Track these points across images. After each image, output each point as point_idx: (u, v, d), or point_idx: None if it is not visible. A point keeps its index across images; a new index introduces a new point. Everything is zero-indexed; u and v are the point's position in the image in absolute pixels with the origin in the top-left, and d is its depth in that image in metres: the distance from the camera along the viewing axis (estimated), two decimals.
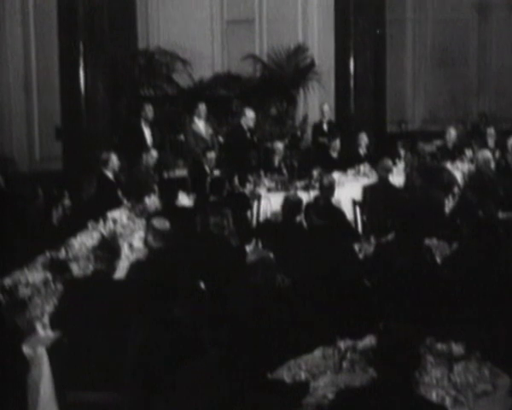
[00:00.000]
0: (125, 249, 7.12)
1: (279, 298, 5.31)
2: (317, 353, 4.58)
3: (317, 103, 13.21)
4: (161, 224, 6.37)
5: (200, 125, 11.47)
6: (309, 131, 13.12)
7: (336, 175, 9.69)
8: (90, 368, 5.10)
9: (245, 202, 9.10)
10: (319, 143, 12.13)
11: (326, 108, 12.51)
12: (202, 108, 11.46)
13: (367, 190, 9.17)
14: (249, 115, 11.02)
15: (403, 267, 5.85)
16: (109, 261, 5.60)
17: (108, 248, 5.72)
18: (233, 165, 10.35)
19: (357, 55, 13.31)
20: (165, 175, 10.15)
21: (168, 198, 8.27)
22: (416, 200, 8.55)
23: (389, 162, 9.42)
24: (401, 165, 10.93)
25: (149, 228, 6.41)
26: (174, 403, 4.13)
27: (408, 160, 10.58)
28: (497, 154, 10.69)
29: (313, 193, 9.14)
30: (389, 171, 9.36)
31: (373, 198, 8.94)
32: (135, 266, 6.11)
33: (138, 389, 4.67)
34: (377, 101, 13.71)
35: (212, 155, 10.14)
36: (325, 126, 12.39)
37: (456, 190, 8.78)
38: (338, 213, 7.90)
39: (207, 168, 9.95)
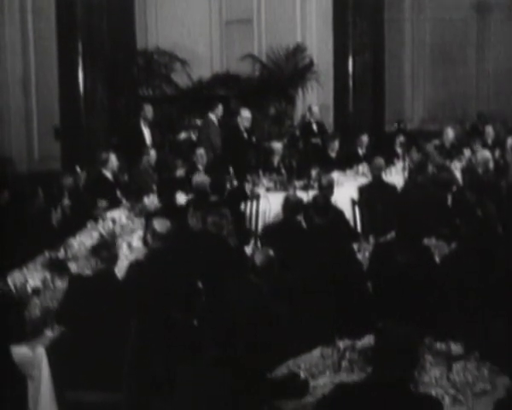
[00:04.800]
0: (123, 249, 7.12)
1: (278, 297, 5.32)
2: (316, 352, 4.59)
3: (315, 103, 13.21)
4: (161, 225, 6.37)
5: (217, 124, 11.55)
6: None
7: (335, 175, 9.70)
8: (89, 368, 5.10)
9: (243, 196, 9.10)
10: (313, 144, 12.14)
11: (315, 108, 12.52)
12: (220, 107, 11.53)
13: (363, 190, 9.20)
14: (245, 115, 11.03)
15: (401, 267, 5.85)
16: (108, 262, 5.60)
17: (107, 249, 5.72)
18: (230, 164, 10.36)
19: (355, 54, 13.31)
20: (165, 175, 10.15)
21: (167, 197, 8.27)
22: (414, 198, 8.56)
23: (381, 161, 9.45)
24: (400, 164, 10.94)
25: (149, 228, 6.40)
26: (174, 403, 4.14)
27: (414, 158, 10.55)
28: (497, 153, 10.70)
29: (312, 193, 9.14)
30: (381, 169, 9.40)
31: (369, 198, 8.96)
32: (134, 267, 6.12)
33: (138, 389, 4.68)
34: (376, 100, 13.71)
35: (201, 151, 10.18)
36: (314, 127, 12.41)
37: (454, 189, 8.78)
38: (337, 212, 7.91)
39: (200, 166, 9.98)
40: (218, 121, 11.54)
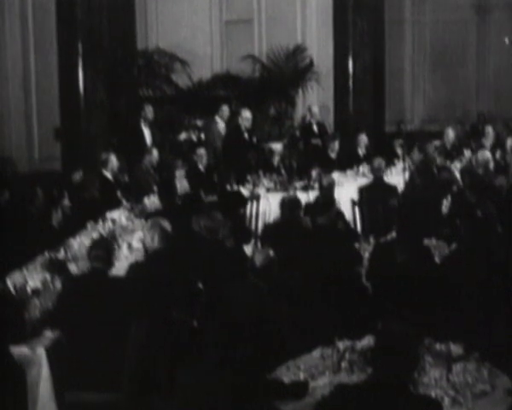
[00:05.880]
0: (123, 250, 7.12)
1: (278, 298, 5.33)
2: (316, 353, 4.59)
3: (315, 103, 13.21)
4: (167, 225, 6.40)
5: (222, 126, 11.56)
6: None
7: (335, 175, 9.70)
8: (89, 368, 5.11)
9: (240, 201, 9.10)
10: (313, 145, 12.15)
11: (315, 109, 12.56)
12: (225, 109, 11.57)
13: (363, 191, 9.21)
14: (245, 115, 11.04)
15: (401, 267, 5.85)
16: (105, 261, 5.60)
17: (104, 247, 5.72)
18: (231, 165, 10.37)
19: (355, 55, 13.31)
20: (165, 175, 10.16)
21: (168, 198, 8.26)
22: (415, 199, 8.57)
23: (381, 161, 9.46)
24: (400, 165, 10.94)
25: (156, 229, 6.36)
26: (174, 403, 4.14)
27: (416, 159, 10.55)
28: (498, 154, 10.69)
29: (312, 193, 9.15)
30: (382, 170, 9.41)
31: (369, 198, 8.97)
32: (134, 267, 6.12)
33: (138, 389, 4.68)
34: (376, 101, 13.71)
35: (201, 151, 10.20)
36: (315, 127, 12.43)
37: (455, 189, 8.79)
38: (337, 213, 7.91)
39: (200, 166, 10.01)
40: (226, 123, 11.58)
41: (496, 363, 4.33)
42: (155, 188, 9.28)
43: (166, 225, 6.43)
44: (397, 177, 10.20)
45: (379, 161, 9.40)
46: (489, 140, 11.94)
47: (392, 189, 9.18)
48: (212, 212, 6.89)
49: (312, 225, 7.22)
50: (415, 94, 15.88)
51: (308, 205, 7.95)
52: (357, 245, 7.12)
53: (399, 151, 11.61)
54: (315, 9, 14.18)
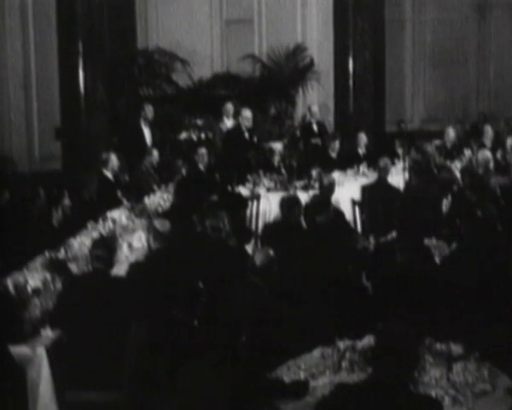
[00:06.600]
0: (124, 250, 7.12)
1: (279, 298, 5.33)
2: (316, 353, 4.59)
3: (316, 103, 13.21)
4: (162, 225, 6.39)
5: (229, 124, 11.56)
6: None
7: (336, 175, 9.70)
8: (89, 368, 5.11)
9: (241, 203, 9.10)
10: (313, 144, 12.15)
11: (315, 108, 12.56)
12: (229, 106, 11.61)
13: (366, 190, 9.19)
14: (246, 115, 11.03)
15: (402, 267, 5.85)
16: (106, 261, 5.61)
17: (106, 247, 5.73)
18: (231, 164, 10.37)
19: (356, 54, 13.31)
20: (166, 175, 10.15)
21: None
22: (415, 199, 8.56)
23: (388, 161, 9.45)
24: (400, 165, 10.94)
25: (150, 228, 6.39)
26: (174, 403, 4.15)
27: (413, 159, 10.55)
28: (499, 153, 10.69)
29: (312, 193, 9.15)
30: (388, 170, 9.40)
31: (372, 198, 8.95)
32: (134, 267, 6.12)
33: (138, 389, 4.68)
34: (376, 100, 13.71)
35: (202, 150, 10.20)
36: (315, 127, 12.44)
37: (455, 189, 8.79)
38: (337, 213, 7.91)
39: (201, 166, 10.01)
40: (232, 119, 11.59)
41: (496, 363, 4.33)
42: (155, 188, 9.28)
43: (160, 225, 6.42)
44: (397, 177, 10.20)
45: (385, 161, 9.36)
46: (488, 139, 11.93)
47: (395, 191, 9.15)
48: (217, 211, 6.90)
49: (312, 224, 7.21)
50: (415, 94, 15.86)
51: (308, 205, 7.94)
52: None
53: (399, 151, 11.61)
54: (315, 9, 14.18)
